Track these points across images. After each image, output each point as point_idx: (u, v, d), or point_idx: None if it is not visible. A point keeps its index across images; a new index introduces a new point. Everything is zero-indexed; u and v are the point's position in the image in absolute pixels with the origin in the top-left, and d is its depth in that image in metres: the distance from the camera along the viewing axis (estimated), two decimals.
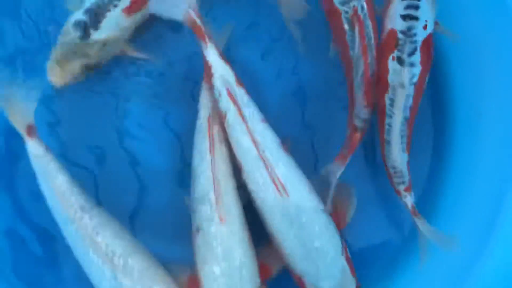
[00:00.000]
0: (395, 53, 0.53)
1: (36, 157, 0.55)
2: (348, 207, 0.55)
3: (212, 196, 0.50)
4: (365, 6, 0.56)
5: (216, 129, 0.53)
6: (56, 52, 0.55)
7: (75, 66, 0.55)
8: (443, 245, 0.53)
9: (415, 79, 0.54)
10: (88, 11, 0.53)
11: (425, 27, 0.53)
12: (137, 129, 0.65)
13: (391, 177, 0.56)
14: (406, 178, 0.55)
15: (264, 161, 0.50)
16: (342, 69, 0.61)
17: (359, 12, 0.55)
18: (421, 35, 0.53)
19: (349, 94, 0.58)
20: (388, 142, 0.55)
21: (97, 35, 0.54)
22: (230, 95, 0.52)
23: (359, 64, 0.55)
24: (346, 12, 0.55)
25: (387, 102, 0.53)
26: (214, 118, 0.53)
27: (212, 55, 0.52)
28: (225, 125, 0.52)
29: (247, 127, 0.51)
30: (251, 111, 0.53)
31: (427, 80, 0.55)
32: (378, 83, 0.57)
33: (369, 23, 0.56)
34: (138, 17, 0.56)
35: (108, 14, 0.54)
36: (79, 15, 0.54)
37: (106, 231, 0.53)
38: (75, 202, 0.53)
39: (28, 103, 0.56)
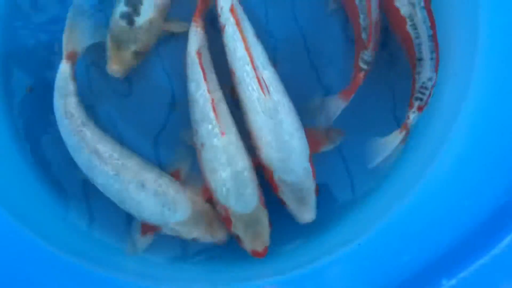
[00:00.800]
0: None
1: (60, 78, 0.61)
2: (327, 143, 0.62)
3: (212, 115, 0.57)
4: None
5: (207, 60, 0.60)
6: (109, 44, 0.62)
7: (129, 53, 0.61)
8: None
9: (422, 3, 0.60)
10: (128, 2, 0.61)
11: None
12: None
13: (414, 92, 0.60)
14: (425, 97, 0.60)
15: (254, 67, 0.57)
16: (347, 15, 0.64)
17: None
18: None
19: (356, 38, 0.62)
20: (420, 59, 0.60)
21: (140, 20, 0.61)
22: (232, 9, 0.59)
23: (363, 9, 0.60)
24: None
25: (410, 29, 0.60)
26: (203, 51, 0.60)
27: None
28: (224, 35, 0.60)
29: (243, 37, 0.58)
30: (247, 25, 0.60)
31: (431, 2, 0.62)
32: (393, 23, 0.62)
33: None
34: None
35: (143, 0, 0.62)
36: (121, 7, 0.61)
37: (104, 142, 0.60)
38: (78, 118, 0.60)
39: (88, 35, 0.62)
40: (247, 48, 0.58)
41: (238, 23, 0.58)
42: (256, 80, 0.57)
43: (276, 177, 0.58)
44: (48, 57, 0.65)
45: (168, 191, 0.59)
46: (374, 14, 0.60)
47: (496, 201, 0.51)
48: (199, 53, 0.59)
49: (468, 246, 0.49)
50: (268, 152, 0.58)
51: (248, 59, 0.57)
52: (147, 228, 0.60)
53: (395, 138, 0.59)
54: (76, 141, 0.59)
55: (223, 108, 0.59)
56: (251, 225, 0.58)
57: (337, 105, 0.59)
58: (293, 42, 0.66)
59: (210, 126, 0.57)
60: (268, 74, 0.57)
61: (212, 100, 0.58)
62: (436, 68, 0.60)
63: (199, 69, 0.58)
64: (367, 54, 0.60)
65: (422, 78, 0.60)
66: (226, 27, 0.59)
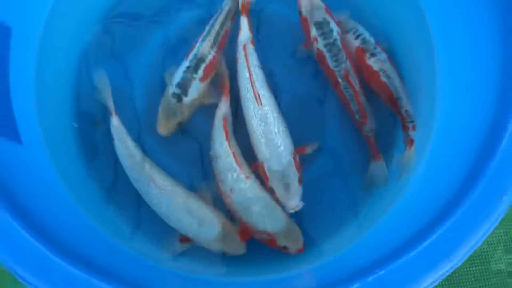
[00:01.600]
0: (367, 54, 0.77)
1: (115, 129, 0.73)
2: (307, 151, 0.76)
3: (235, 165, 0.70)
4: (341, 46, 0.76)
5: (229, 124, 0.74)
6: (160, 114, 0.76)
7: (174, 121, 0.75)
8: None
9: (387, 59, 0.77)
10: (178, 85, 0.75)
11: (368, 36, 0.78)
12: None
13: (404, 120, 0.74)
14: (412, 118, 0.74)
15: (252, 86, 0.72)
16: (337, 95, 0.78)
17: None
18: (371, 37, 0.78)
19: (351, 116, 0.77)
20: (400, 98, 0.75)
21: (187, 100, 0.75)
22: (245, 47, 0.74)
23: (351, 98, 0.75)
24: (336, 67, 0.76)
25: (385, 79, 0.76)
26: (227, 119, 0.73)
27: (244, 23, 0.76)
28: (237, 63, 0.75)
29: (248, 66, 0.73)
30: (254, 59, 0.74)
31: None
32: (369, 77, 0.77)
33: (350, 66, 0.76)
34: (209, 80, 0.78)
35: (191, 84, 0.75)
36: (173, 88, 0.75)
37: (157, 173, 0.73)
38: (137, 156, 0.72)
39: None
40: (250, 74, 0.72)
41: (246, 57, 0.73)
42: (253, 95, 0.71)
43: (266, 167, 0.71)
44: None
45: (202, 212, 0.70)
46: (361, 96, 0.75)
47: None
48: (224, 118, 0.72)
49: None
50: (259, 147, 0.71)
51: (249, 80, 0.72)
52: (185, 239, 0.70)
53: (410, 153, 0.71)
54: (136, 174, 0.71)
55: (242, 159, 0.71)
56: (288, 233, 0.70)
57: (379, 168, 0.74)
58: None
59: (235, 174, 0.70)
60: (263, 92, 0.72)
61: (233, 153, 0.70)
62: (409, 100, 0.76)
63: (223, 131, 0.71)
64: (367, 127, 0.75)
65: (404, 107, 0.75)
66: (239, 58, 0.74)
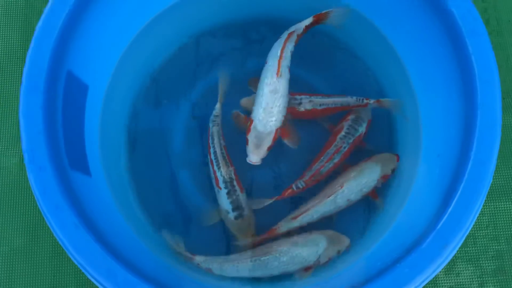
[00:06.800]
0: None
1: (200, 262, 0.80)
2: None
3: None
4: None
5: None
6: (239, 233, 0.83)
7: (252, 228, 0.83)
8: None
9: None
10: (235, 208, 0.83)
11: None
12: None
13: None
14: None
15: (279, 60, 0.81)
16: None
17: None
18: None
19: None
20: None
21: (246, 214, 0.83)
22: (289, 35, 0.83)
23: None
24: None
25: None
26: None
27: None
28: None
29: (282, 49, 0.82)
30: (289, 50, 0.83)
31: None
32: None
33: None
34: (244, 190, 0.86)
35: (240, 202, 0.83)
36: (232, 215, 0.82)
37: None
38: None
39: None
40: (282, 51, 0.80)
41: (286, 42, 0.81)
42: (277, 68, 0.80)
43: (253, 124, 0.80)
44: None
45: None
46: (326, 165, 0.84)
47: None
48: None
49: None
50: (259, 108, 0.80)
51: (278, 56, 0.80)
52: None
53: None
54: None
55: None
56: None
57: None
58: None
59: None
60: (284, 71, 0.80)
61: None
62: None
63: None
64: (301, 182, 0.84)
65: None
66: (280, 39, 0.83)
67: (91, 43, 0.78)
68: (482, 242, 0.93)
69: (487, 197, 0.68)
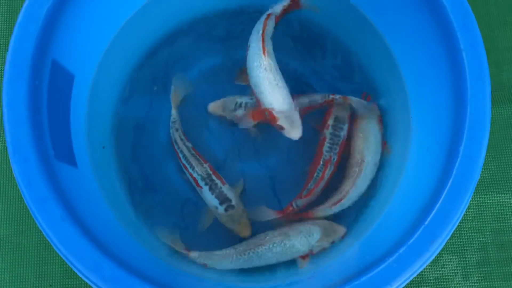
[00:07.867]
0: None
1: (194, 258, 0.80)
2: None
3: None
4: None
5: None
6: (233, 226, 0.82)
7: (241, 222, 0.82)
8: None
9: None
10: (222, 202, 0.82)
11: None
12: None
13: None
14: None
15: (263, 40, 0.79)
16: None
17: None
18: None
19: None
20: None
21: (235, 203, 0.82)
22: (268, 16, 0.82)
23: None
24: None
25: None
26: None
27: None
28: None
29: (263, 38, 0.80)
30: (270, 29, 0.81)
31: None
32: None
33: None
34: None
35: (225, 194, 0.83)
36: (221, 208, 0.82)
37: None
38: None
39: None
40: (263, 32, 0.79)
41: (266, 24, 0.80)
42: (262, 49, 0.78)
43: (275, 112, 0.78)
44: None
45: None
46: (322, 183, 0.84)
47: None
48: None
49: None
50: (266, 97, 0.79)
51: (261, 38, 0.79)
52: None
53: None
54: None
55: None
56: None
57: None
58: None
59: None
60: (269, 48, 0.79)
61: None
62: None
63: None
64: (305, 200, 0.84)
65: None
66: (257, 24, 0.82)
67: (76, 32, 0.76)
68: (468, 234, 0.94)
69: None
